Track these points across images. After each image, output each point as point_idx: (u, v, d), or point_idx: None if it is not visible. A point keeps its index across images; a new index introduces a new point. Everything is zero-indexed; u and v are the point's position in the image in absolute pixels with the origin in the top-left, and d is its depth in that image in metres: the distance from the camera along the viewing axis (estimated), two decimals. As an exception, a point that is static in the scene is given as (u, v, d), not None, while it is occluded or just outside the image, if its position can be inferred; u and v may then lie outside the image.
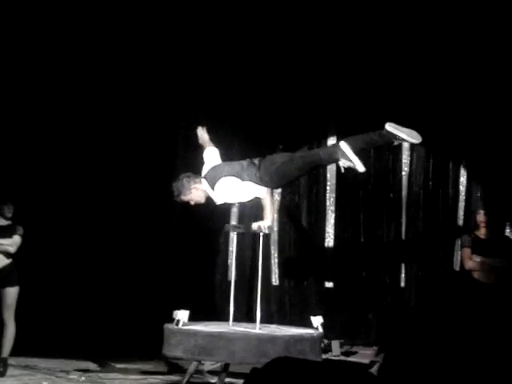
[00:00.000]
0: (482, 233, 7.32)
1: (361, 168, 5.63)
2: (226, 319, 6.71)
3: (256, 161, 5.95)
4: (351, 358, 7.81)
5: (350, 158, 5.58)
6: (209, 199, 6.12)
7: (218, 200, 6.05)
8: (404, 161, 8.69)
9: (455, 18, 8.12)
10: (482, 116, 8.33)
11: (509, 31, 8.00)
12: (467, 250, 7.35)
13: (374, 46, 8.43)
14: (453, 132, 8.50)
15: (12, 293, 6.84)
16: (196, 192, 6.07)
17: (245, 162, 5.96)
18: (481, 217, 7.29)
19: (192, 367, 6.59)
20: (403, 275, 8.63)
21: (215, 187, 5.98)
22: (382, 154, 8.70)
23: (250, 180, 5.89)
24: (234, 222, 8.71)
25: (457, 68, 8.34)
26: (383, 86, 8.58)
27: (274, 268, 8.71)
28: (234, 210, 8.79)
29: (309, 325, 6.77)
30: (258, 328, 6.57)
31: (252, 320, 8.30)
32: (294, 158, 5.90)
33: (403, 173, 8.70)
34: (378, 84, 8.58)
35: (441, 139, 8.53)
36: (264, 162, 5.91)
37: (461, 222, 8.55)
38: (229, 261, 8.66)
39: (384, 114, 8.54)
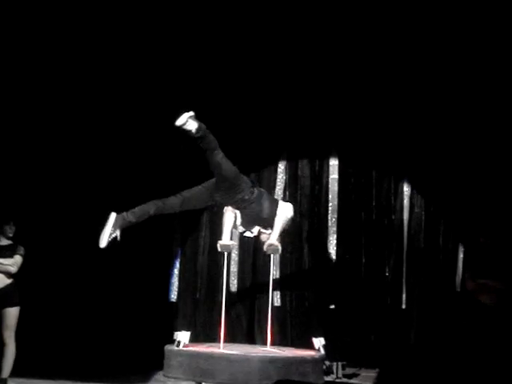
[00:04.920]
0: (484, 254, 7.30)
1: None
2: (228, 340, 6.69)
3: None
4: (353, 381, 7.77)
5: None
6: None
7: None
8: (406, 183, 8.70)
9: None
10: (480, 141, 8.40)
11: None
12: (469, 271, 7.33)
13: (372, 65, 8.50)
14: (451, 154, 8.54)
15: (12, 313, 6.81)
16: None
17: None
18: (483, 238, 7.28)
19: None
20: (404, 296, 8.60)
21: None
22: (383, 176, 8.72)
23: None
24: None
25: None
26: (386, 108, 8.64)
27: (275, 289, 8.67)
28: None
29: (310, 346, 6.75)
30: (260, 349, 6.55)
31: (253, 341, 8.31)
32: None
33: (404, 194, 8.70)
34: (381, 105, 8.63)
35: (440, 161, 8.57)
36: None
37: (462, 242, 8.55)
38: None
39: (385, 140, 8.67)
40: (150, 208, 6.39)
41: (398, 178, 8.72)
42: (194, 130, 6.17)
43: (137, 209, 6.38)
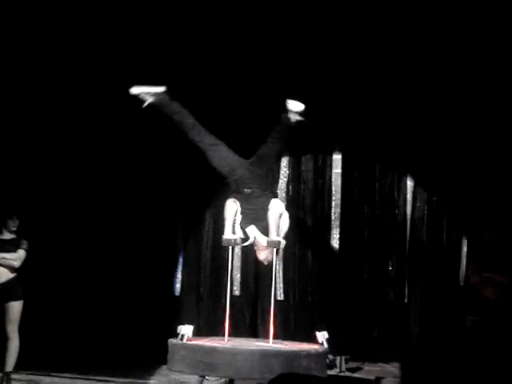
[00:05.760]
0: (488, 249, 7.29)
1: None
2: (231, 334, 6.69)
3: None
4: (356, 374, 7.78)
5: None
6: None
7: None
8: (409, 177, 8.70)
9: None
10: (483, 134, 8.39)
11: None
12: (472, 266, 7.32)
13: (376, 64, 8.50)
14: (455, 148, 8.53)
15: (16, 307, 6.82)
16: None
17: None
18: (487, 232, 7.27)
19: (196, 383, 6.56)
20: (407, 291, 8.60)
21: None
22: (386, 170, 8.72)
23: None
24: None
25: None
26: (387, 104, 8.63)
27: (278, 283, 8.68)
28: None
29: (314, 340, 6.75)
30: (263, 343, 6.55)
31: (256, 335, 8.31)
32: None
33: (408, 188, 8.70)
34: (381, 106, 8.63)
35: (443, 155, 8.57)
36: None
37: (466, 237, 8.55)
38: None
39: (388, 134, 8.66)
40: (186, 114, 6.45)
41: (401, 173, 8.72)
42: (298, 111, 6.23)
43: (177, 103, 6.44)
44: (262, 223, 6.43)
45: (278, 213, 6.41)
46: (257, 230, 6.48)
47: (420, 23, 8.12)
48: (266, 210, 6.44)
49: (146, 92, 6.34)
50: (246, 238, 6.53)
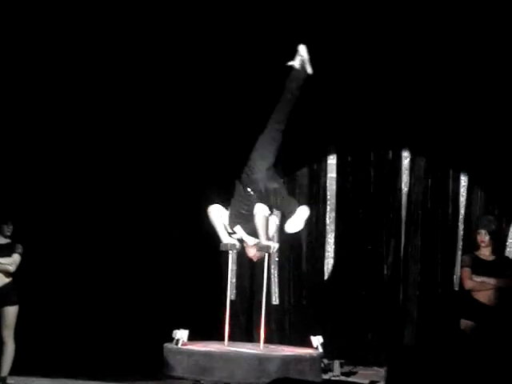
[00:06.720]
0: (482, 253, 7.28)
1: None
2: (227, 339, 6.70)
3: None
4: (351, 379, 7.79)
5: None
6: None
7: None
8: (403, 180, 8.71)
9: (445, 31, 8.22)
10: (484, 133, 8.38)
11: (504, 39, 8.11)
12: (467, 270, 7.30)
13: (372, 64, 8.48)
14: (453, 150, 8.55)
15: (11, 312, 6.82)
16: None
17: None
18: (481, 236, 7.25)
19: (192, 387, 6.57)
20: (401, 295, 8.62)
21: None
22: (381, 174, 8.74)
23: None
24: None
25: (452, 81, 8.40)
26: (382, 103, 8.62)
27: (273, 287, 8.70)
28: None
29: (309, 344, 6.76)
30: (258, 348, 6.56)
31: (252, 339, 8.31)
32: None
33: (402, 192, 8.72)
34: (377, 101, 8.62)
35: (440, 157, 8.58)
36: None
37: (460, 241, 8.56)
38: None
39: (382, 131, 8.66)
40: (293, 102, 6.65)
41: (396, 176, 8.71)
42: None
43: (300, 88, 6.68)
44: (249, 225, 6.47)
45: (264, 217, 6.41)
46: (242, 230, 6.51)
47: (408, 11, 8.11)
48: (251, 208, 6.47)
49: (303, 59, 6.61)
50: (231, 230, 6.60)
